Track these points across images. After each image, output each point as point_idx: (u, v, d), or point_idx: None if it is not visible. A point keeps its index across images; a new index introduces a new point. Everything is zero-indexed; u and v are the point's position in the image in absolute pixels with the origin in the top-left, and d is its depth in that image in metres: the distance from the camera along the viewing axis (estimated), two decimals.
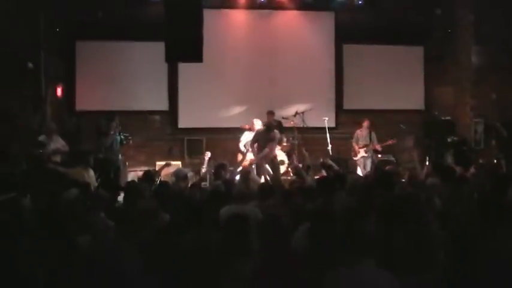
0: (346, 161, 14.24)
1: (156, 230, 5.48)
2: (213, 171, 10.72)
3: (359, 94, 16.37)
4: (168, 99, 15.64)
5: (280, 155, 13.80)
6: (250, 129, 13.58)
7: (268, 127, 12.46)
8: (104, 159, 12.46)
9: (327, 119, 14.69)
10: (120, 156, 13.20)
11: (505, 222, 5.22)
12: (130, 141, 13.78)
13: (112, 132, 13.17)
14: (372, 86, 16.35)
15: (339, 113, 16.39)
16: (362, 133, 14.79)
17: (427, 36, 16.48)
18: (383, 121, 15.91)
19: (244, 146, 13.54)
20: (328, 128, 14.66)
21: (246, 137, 13.55)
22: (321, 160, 11.40)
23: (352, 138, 15.20)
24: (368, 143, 14.66)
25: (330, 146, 14.27)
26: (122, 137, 13.39)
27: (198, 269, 4.50)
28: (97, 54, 15.23)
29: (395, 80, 16.43)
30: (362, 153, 14.69)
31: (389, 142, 14.60)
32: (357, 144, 14.81)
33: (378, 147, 14.58)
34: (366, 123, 14.77)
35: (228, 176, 10.26)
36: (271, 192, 7.57)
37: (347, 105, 16.50)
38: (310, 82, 16.09)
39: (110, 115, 13.37)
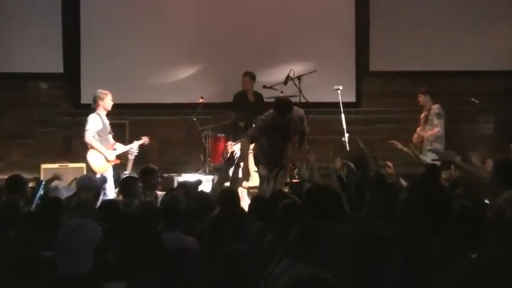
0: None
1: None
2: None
3: (396, 47, 14.02)
4: (64, 56, 13.57)
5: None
6: (102, 109, 11.52)
7: (283, 104, 10.06)
8: None
9: (341, 88, 12.14)
10: None
11: None
12: None
13: None
14: (418, 32, 14.01)
15: (362, 78, 14.09)
16: (424, 112, 12.70)
17: None
18: (438, 91, 13.17)
19: (96, 136, 11.44)
20: (343, 103, 12.15)
21: (96, 123, 11.48)
22: None
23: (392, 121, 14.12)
24: (423, 125, 12.50)
25: (346, 135, 11.73)
26: None
27: None
28: None
29: (458, 23, 14.06)
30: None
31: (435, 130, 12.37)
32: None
33: (427, 133, 12.27)
34: (420, 98, 12.48)
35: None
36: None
37: (376, 65, 14.05)
38: (312, 26, 13.83)
39: None
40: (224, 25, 13.80)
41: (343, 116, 12.19)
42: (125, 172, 11.26)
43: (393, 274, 4.45)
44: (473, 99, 13.07)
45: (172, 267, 5.00)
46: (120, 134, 12.95)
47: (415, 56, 14.12)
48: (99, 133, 11.34)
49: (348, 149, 11.77)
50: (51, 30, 13.47)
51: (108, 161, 11.29)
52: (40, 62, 13.41)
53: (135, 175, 10.48)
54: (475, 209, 5.94)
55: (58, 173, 10.14)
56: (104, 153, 11.22)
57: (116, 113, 13.07)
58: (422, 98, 12.55)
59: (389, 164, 9.60)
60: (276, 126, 10.20)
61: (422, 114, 12.64)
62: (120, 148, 11.62)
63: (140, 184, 9.16)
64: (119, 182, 10.52)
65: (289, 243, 4.98)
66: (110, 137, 11.55)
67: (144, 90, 13.60)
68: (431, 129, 12.33)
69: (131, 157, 11.33)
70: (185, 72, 13.85)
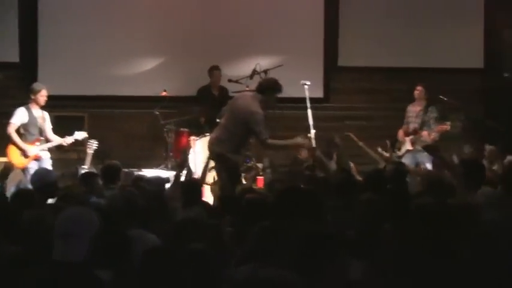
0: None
1: None
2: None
3: (366, 40, 14.06)
4: (20, 44, 13.41)
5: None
6: (34, 103, 11.47)
7: (268, 85, 10.00)
8: None
9: (308, 83, 11.61)
10: None
11: None
12: None
13: None
14: (388, 27, 14.13)
15: (330, 73, 14.08)
16: (414, 108, 12.43)
17: None
18: (407, 87, 13.23)
19: (22, 130, 11.30)
20: (310, 99, 11.54)
21: (21, 116, 11.42)
22: None
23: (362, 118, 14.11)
24: (419, 125, 12.29)
25: (313, 131, 11.05)
26: None
27: None
28: None
29: (429, 20, 14.14)
30: (407, 144, 12.24)
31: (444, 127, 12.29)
32: (406, 129, 12.41)
33: (429, 135, 12.10)
34: (418, 91, 12.33)
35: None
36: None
37: (345, 59, 14.11)
38: (279, 19, 13.84)
39: None
40: (189, 17, 13.66)
41: (309, 111, 11.60)
42: (83, 166, 11.10)
43: (341, 272, 4.44)
44: (441, 97, 13.00)
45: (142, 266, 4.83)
46: (79, 127, 12.65)
47: (385, 52, 14.18)
48: (24, 127, 11.26)
49: (313, 146, 11.17)
50: (6, 16, 13.20)
51: (26, 156, 11.15)
52: None
53: (94, 170, 10.57)
54: (435, 207, 5.90)
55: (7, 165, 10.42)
56: (22, 148, 11.17)
57: (74, 105, 13.35)
58: (422, 92, 12.40)
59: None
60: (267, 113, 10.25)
61: (417, 118, 12.28)
62: (56, 141, 11.44)
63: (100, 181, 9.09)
64: (77, 177, 10.25)
65: (249, 244, 5.00)
66: (49, 130, 11.32)
67: (104, 82, 13.46)
68: (429, 133, 12.14)
69: (90, 151, 11.16)
70: (148, 65, 13.77)
